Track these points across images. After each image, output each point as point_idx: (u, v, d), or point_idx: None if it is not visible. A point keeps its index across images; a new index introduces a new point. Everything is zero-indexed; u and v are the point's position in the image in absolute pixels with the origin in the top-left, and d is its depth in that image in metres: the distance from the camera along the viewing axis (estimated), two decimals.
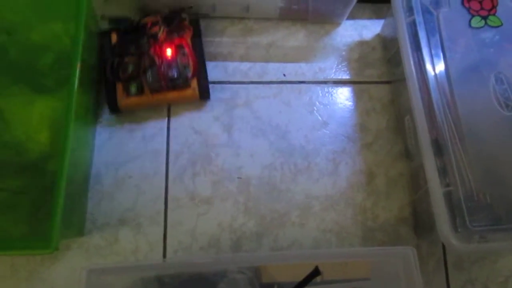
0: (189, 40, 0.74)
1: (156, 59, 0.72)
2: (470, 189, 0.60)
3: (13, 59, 0.71)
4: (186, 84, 0.73)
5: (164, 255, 0.70)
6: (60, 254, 0.69)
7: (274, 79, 0.79)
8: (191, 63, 0.73)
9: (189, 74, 0.73)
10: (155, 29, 0.73)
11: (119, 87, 0.72)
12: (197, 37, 0.76)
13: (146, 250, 0.70)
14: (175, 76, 0.72)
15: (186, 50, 0.73)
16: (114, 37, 0.75)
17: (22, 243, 0.57)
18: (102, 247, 0.70)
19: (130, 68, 0.72)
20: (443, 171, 0.62)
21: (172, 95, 0.73)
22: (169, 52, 0.72)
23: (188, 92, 0.73)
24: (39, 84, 0.70)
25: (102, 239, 0.70)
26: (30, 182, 0.65)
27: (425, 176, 0.63)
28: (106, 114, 0.76)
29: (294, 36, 0.82)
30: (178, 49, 0.73)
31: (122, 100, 0.72)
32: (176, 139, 0.75)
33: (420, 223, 0.72)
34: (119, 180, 0.73)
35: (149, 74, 0.72)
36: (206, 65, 0.76)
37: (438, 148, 0.63)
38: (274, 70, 0.80)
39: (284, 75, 0.80)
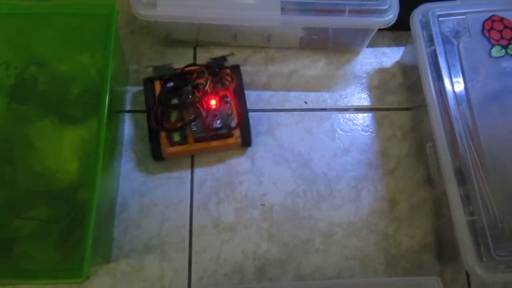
0: (232, 90, 0.75)
1: (202, 110, 0.72)
2: (494, 218, 0.61)
3: (42, 90, 0.73)
4: (229, 133, 0.74)
5: (189, 282, 0.71)
6: (88, 281, 0.69)
7: (296, 107, 0.81)
8: (235, 112, 0.74)
9: (233, 124, 0.73)
10: (201, 80, 0.73)
11: (163, 135, 0.73)
12: (239, 85, 0.77)
13: (172, 277, 0.71)
14: (220, 126, 0.73)
15: (230, 99, 0.74)
16: (157, 86, 0.76)
17: (53, 272, 0.58)
18: (128, 273, 0.71)
19: (174, 117, 0.74)
20: (466, 200, 0.62)
21: (215, 143, 0.74)
22: (214, 103, 0.73)
23: (231, 140, 0.74)
24: (68, 114, 0.71)
25: (129, 266, 0.71)
26: (60, 211, 0.66)
27: (448, 203, 0.63)
28: (132, 143, 0.77)
29: (315, 64, 0.84)
30: (222, 99, 0.74)
31: (166, 149, 0.73)
32: (200, 166, 0.76)
33: (443, 250, 0.72)
34: (145, 208, 0.74)
35: (193, 124, 0.73)
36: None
37: (461, 176, 0.63)
38: (295, 98, 0.81)
39: (306, 102, 0.81)
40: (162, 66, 0.76)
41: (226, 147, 0.76)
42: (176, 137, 0.73)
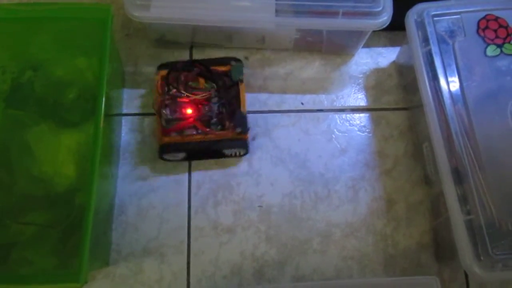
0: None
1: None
2: (492, 217, 0.61)
3: (38, 94, 0.73)
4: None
5: (188, 284, 0.71)
6: (86, 285, 0.69)
7: (292, 108, 0.81)
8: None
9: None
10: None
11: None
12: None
13: (170, 279, 0.71)
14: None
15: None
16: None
17: (51, 277, 0.58)
18: (127, 276, 0.71)
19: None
20: (463, 199, 0.62)
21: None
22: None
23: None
24: (64, 118, 0.71)
25: (127, 269, 0.71)
26: (57, 215, 0.66)
27: (445, 203, 0.64)
28: (129, 146, 0.77)
29: (311, 65, 0.84)
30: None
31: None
32: (197, 168, 0.76)
33: (441, 249, 0.72)
34: (143, 211, 0.74)
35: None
36: None
37: (458, 176, 0.63)
38: (292, 99, 0.81)
39: (302, 103, 0.81)
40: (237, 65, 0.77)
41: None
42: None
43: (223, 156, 0.75)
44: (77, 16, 0.70)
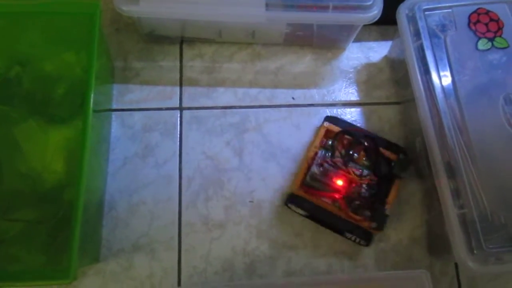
0: None
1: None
2: (484, 210, 0.61)
3: (27, 90, 0.72)
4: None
5: (179, 280, 0.70)
6: (76, 281, 0.69)
7: (283, 103, 0.80)
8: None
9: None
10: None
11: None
12: None
13: (161, 276, 0.70)
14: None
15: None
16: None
17: (40, 274, 0.58)
18: (117, 273, 0.70)
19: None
20: (456, 193, 0.62)
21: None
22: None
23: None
24: (53, 114, 0.71)
25: (118, 265, 0.71)
26: (46, 212, 0.66)
27: (438, 197, 0.64)
28: (119, 141, 0.77)
29: (302, 60, 0.83)
30: None
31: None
32: (188, 164, 0.76)
33: (434, 243, 0.72)
34: (133, 206, 0.73)
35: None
36: (217, 91, 0.78)
37: (451, 170, 0.63)
38: (283, 94, 0.81)
39: (293, 98, 0.81)
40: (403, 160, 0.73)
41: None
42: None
43: (342, 235, 0.72)
44: (66, 10, 0.68)
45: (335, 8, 0.71)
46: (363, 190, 0.70)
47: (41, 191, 0.67)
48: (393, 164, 0.71)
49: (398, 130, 0.79)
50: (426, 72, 0.68)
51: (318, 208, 0.70)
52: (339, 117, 0.77)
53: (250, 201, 0.74)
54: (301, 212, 0.71)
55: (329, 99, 0.81)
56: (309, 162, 0.72)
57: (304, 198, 0.71)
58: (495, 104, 0.66)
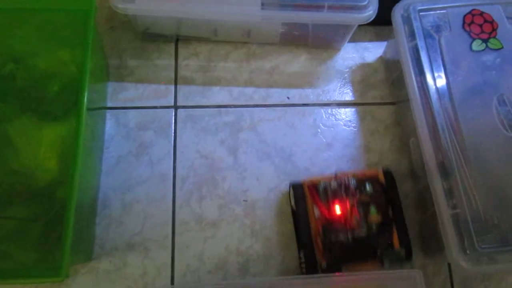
0: None
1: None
2: (477, 211, 0.61)
3: (20, 87, 0.72)
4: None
5: (172, 279, 0.70)
6: (69, 279, 0.69)
7: (278, 102, 0.80)
8: None
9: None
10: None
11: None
12: None
13: (154, 274, 0.70)
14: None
15: None
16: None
17: (32, 271, 0.57)
18: (110, 271, 0.70)
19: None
20: (449, 194, 0.62)
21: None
22: None
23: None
24: (47, 111, 0.71)
25: (111, 264, 0.70)
26: (38, 209, 0.65)
27: (431, 197, 0.64)
28: (113, 140, 0.77)
29: (297, 59, 0.84)
30: None
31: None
32: (182, 163, 0.76)
33: (427, 243, 0.72)
34: (127, 205, 0.73)
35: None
36: (212, 90, 0.78)
37: (444, 171, 0.63)
38: (277, 93, 0.81)
39: (288, 98, 0.81)
40: None
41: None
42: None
43: (298, 252, 0.70)
44: (60, 7, 0.68)
45: (330, 7, 0.71)
46: (345, 235, 0.67)
47: (34, 188, 0.67)
48: (387, 252, 0.67)
49: (392, 130, 0.79)
50: (420, 72, 0.68)
51: (304, 213, 0.69)
52: (395, 177, 0.72)
53: (244, 200, 0.74)
54: (292, 203, 0.71)
55: (324, 98, 0.81)
56: (336, 177, 0.69)
57: (304, 196, 0.70)
58: (488, 105, 0.66)
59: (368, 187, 0.69)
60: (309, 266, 0.67)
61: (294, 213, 0.71)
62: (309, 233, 0.68)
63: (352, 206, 0.68)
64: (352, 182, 0.69)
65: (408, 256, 0.67)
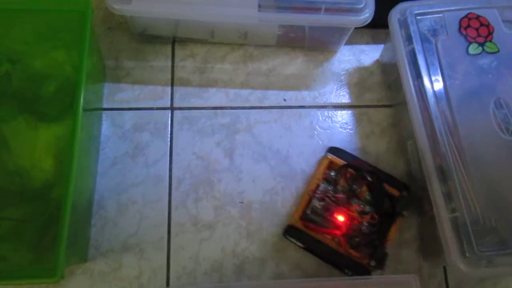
0: None
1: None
2: (476, 214, 0.61)
3: (16, 87, 0.71)
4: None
5: (168, 281, 0.70)
6: (64, 281, 0.69)
7: (274, 104, 0.80)
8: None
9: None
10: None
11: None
12: None
13: (150, 276, 0.70)
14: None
15: None
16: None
17: (27, 272, 0.57)
18: (106, 273, 0.70)
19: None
20: (448, 197, 0.62)
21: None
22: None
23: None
24: (43, 112, 0.70)
25: (106, 265, 0.70)
26: (34, 210, 0.65)
27: (429, 200, 0.64)
28: (109, 141, 0.77)
29: (294, 62, 0.84)
30: None
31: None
32: (178, 164, 0.76)
33: (424, 247, 0.72)
34: (122, 206, 0.73)
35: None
36: (209, 91, 0.78)
37: (443, 174, 0.63)
38: (274, 95, 0.81)
39: (285, 100, 0.81)
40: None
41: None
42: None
43: (341, 270, 0.70)
44: (57, 8, 0.68)
45: (327, 10, 0.71)
46: (363, 227, 0.69)
47: (29, 189, 0.66)
48: (395, 201, 0.71)
49: (389, 132, 0.79)
50: (417, 76, 0.68)
51: (317, 242, 0.69)
52: (343, 149, 0.76)
53: (240, 202, 0.74)
54: (300, 244, 0.70)
55: (320, 101, 0.81)
56: (310, 194, 0.71)
57: (303, 231, 0.70)
58: (486, 108, 0.66)
59: (336, 176, 0.72)
60: (362, 274, 0.68)
61: (309, 250, 0.72)
62: (337, 252, 0.69)
63: (346, 205, 0.69)
64: (325, 186, 0.72)
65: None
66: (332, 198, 0.71)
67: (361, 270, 0.68)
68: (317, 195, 0.71)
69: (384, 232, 0.69)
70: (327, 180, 0.73)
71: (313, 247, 0.70)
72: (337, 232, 0.69)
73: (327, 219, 0.70)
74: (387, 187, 0.71)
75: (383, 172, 0.74)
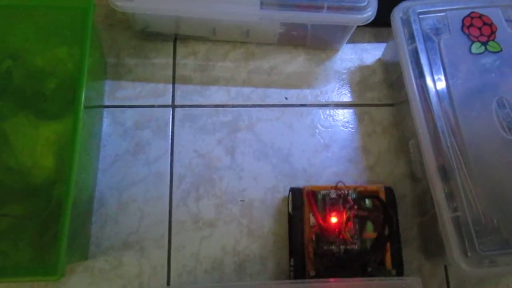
0: None
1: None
2: (478, 214, 0.61)
3: (17, 84, 0.71)
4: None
5: (168, 279, 0.70)
6: (65, 278, 0.69)
7: (276, 102, 0.80)
8: None
9: None
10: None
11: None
12: None
13: (150, 274, 0.70)
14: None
15: None
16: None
17: (28, 270, 0.57)
18: (106, 270, 0.70)
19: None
20: (450, 196, 0.62)
21: None
22: None
23: None
24: (44, 109, 0.70)
25: (107, 263, 0.70)
26: (34, 207, 0.65)
27: (431, 200, 0.64)
28: (110, 138, 0.76)
29: (295, 60, 0.83)
30: None
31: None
32: (180, 162, 0.76)
33: (426, 246, 0.72)
34: (123, 204, 0.73)
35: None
36: (210, 89, 0.78)
37: (445, 173, 0.63)
38: (276, 93, 0.81)
39: (286, 98, 0.81)
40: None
41: None
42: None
43: (289, 258, 0.70)
44: (58, 4, 0.68)
45: (330, 8, 0.71)
46: (337, 248, 0.67)
47: (30, 186, 0.66)
48: (373, 269, 0.67)
49: (389, 131, 0.79)
50: (420, 75, 0.68)
51: (300, 222, 0.68)
52: (395, 198, 0.72)
53: (241, 200, 0.74)
54: (290, 208, 0.70)
55: (322, 99, 0.81)
56: (335, 187, 0.69)
57: (302, 202, 0.69)
58: (488, 107, 0.66)
59: (367, 202, 0.69)
60: (298, 273, 0.67)
61: (290, 219, 0.71)
62: (302, 240, 0.68)
63: (348, 219, 0.67)
64: (352, 195, 0.69)
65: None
66: (345, 204, 0.68)
67: (299, 268, 0.67)
68: (337, 191, 0.69)
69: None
70: (357, 196, 0.69)
71: (295, 220, 0.69)
72: (321, 222, 0.67)
73: (324, 209, 0.68)
74: (388, 248, 0.67)
75: (399, 237, 0.70)
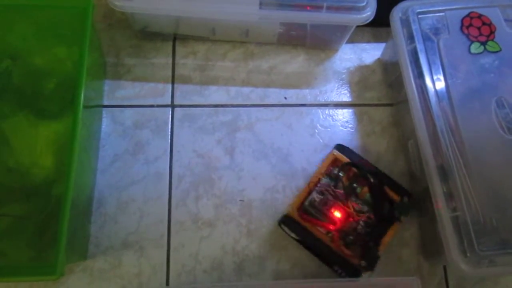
0: None
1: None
2: (477, 213, 0.61)
3: (17, 84, 0.71)
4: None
5: (167, 279, 0.70)
6: (64, 278, 0.69)
7: (275, 102, 0.80)
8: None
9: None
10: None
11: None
12: None
13: (150, 274, 0.70)
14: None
15: None
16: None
17: (27, 269, 0.57)
18: (105, 270, 0.70)
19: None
20: (449, 196, 0.62)
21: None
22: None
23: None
24: (43, 109, 0.70)
25: (106, 263, 0.70)
26: (34, 207, 0.65)
27: (430, 199, 0.64)
28: (109, 138, 0.76)
29: (295, 60, 0.83)
30: None
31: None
32: (179, 162, 0.76)
33: (425, 246, 0.72)
34: (123, 204, 0.73)
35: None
36: (210, 89, 0.78)
37: (444, 173, 0.63)
38: (275, 93, 0.81)
39: (285, 98, 0.81)
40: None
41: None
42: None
43: (331, 267, 0.70)
44: (58, 4, 0.68)
45: (329, 8, 0.71)
46: (359, 226, 0.69)
47: (30, 186, 0.66)
48: (395, 206, 0.70)
49: (389, 131, 0.79)
50: (419, 75, 0.68)
51: (311, 235, 0.69)
52: (349, 147, 0.75)
53: (240, 200, 0.74)
54: (293, 235, 0.70)
55: (321, 99, 0.81)
56: (311, 187, 0.71)
57: (299, 223, 0.70)
58: (487, 107, 0.66)
59: (341, 174, 0.72)
60: (351, 273, 0.68)
61: (302, 242, 0.71)
62: (329, 248, 0.68)
63: (344, 201, 0.69)
64: (326, 181, 0.71)
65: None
66: (332, 193, 0.71)
67: (351, 269, 0.68)
68: (317, 188, 0.71)
69: (380, 235, 0.69)
70: (330, 176, 0.73)
71: (306, 239, 0.70)
72: (332, 227, 0.69)
73: (324, 213, 0.70)
74: (388, 191, 0.71)
75: (387, 175, 0.74)
